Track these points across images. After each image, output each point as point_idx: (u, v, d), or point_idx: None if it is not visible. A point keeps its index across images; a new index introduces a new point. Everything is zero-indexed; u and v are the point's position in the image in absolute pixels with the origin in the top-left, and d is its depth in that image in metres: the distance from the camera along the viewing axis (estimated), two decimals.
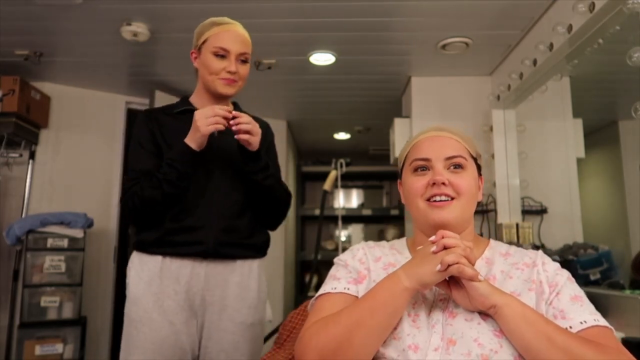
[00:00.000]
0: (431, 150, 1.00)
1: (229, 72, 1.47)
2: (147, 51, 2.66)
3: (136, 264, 1.47)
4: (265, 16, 2.28)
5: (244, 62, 1.51)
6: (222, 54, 1.47)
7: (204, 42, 1.50)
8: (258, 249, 1.57)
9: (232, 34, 1.49)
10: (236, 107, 1.64)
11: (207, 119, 1.36)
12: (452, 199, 0.96)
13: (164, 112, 1.57)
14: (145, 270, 1.44)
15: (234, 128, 1.40)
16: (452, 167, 0.99)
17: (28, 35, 2.49)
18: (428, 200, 0.97)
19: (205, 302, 1.46)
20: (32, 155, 3.05)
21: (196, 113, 1.39)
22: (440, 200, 0.96)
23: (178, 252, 1.44)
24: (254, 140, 1.42)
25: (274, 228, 1.65)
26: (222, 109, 1.38)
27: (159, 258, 1.44)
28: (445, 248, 0.86)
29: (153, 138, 1.50)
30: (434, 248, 0.87)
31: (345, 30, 2.44)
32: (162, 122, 1.53)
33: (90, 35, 2.49)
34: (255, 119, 1.63)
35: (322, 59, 2.79)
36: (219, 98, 1.53)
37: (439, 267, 0.84)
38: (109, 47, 2.62)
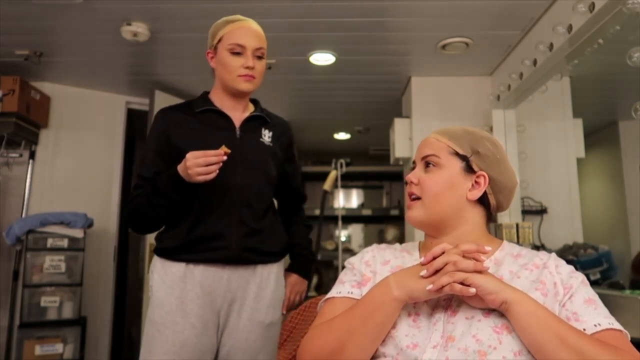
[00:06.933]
0: (417, 153, 1.06)
1: (247, 67, 1.47)
2: (147, 51, 2.66)
3: (159, 268, 1.47)
4: (265, 16, 2.27)
5: (260, 57, 1.52)
6: (238, 51, 1.47)
7: (219, 41, 1.50)
8: (277, 255, 1.58)
9: (247, 30, 1.49)
10: (256, 105, 1.63)
11: (198, 167, 1.31)
12: (420, 198, 1.00)
13: (182, 111, 1.54)
14: (169, 274, 1.45)
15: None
16: (426, 167, 1.02)
17: (28, 35, 2.49)
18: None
19: (227, 303, 1.47)
20: (32, 155, 3.05)
21: (189, 155, 1.33)
22: (411, 200, 1.01)
23: (201, 258, 1.45)
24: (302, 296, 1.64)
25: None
26: (215, 155, 1.32)
27: (182, 264, 1.45)
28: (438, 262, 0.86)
29: (167, 139, 1.49)
30: (423, 273, 0.86)
31: (345, 30, 2.43)
32: (180, 122, 1.51)
33: (90, 35, 2.49)
34: (275, 117, 1.66)
35: (322, 59, 2.79)
36: (237, 96, 1.53)
37: (430, 286, 0.84)
38: (109, 47, 2.62)
